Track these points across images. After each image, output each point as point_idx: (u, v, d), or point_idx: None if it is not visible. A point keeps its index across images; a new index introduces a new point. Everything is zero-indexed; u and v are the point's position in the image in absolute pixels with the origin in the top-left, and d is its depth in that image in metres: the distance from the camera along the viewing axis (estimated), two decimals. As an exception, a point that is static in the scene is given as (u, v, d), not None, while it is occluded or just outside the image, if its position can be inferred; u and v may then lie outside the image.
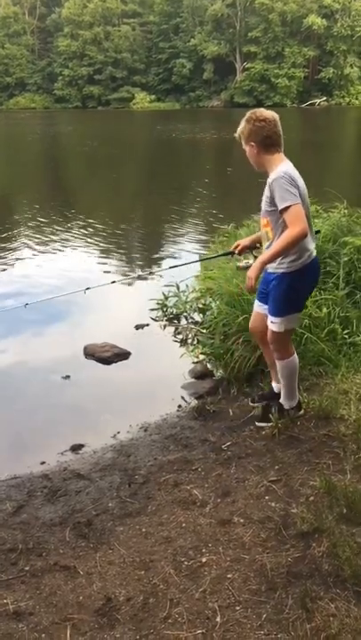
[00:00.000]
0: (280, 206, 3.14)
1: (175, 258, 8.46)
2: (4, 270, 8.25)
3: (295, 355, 3.64)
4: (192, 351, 5.23)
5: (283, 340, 3.53)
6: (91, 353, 5.27)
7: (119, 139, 28.89)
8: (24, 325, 6.01)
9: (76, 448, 3.88)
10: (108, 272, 7.90)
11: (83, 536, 2.95)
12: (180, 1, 65.10)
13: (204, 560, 2.67)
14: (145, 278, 7.55)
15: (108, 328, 5.77)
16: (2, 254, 8.97)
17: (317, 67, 62.69)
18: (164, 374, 4.95)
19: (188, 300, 6.11)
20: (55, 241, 9.77)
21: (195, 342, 5.39)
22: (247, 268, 3.75)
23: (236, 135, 3.38)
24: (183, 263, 5.36)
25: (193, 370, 4.86)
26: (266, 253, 3.29)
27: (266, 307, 3.55)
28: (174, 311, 6.10)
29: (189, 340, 5.49)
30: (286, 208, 3.11)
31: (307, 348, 4.32)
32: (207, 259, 6.08)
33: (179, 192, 14.48)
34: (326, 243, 5.21)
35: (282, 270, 3.35)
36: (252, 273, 3.32)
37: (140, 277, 7.50)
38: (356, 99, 61.34)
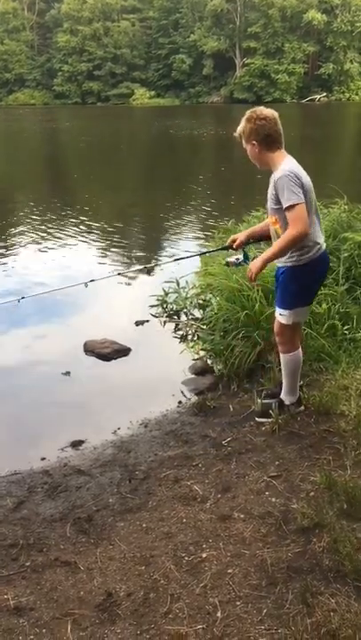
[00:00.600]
0: (284, 205, 3.17)
1: (175, 255, 8.43)
2: (3, 265, 8.22)
3: (300, 349, 3.66)
4: (192, 347, 5.23)
5: (289, 332, 3.55)
6: (91, 349, 5.27)
7: (118, 135, 28.84)
8: (24, 321, 6.00)
9: (76, 444, 3.89)
10: (106, 266, 7.87)
11: (83, 532, 2.96)
12: (180, -4, 64.97)
13: (204, 555, 2.67)
14: (147, 272, 7.52)
15: (108, 324, 5.76)
16: (0, 251, 8.94)
17: (317, 62, 62.47)
18: (165, 370, 4.94)
19: (189, 296, 6.10)
20: (53, 237, 9.73)
21: (195, 338, 5.39)
22: (237, 263, 3.78)
23: (237, 135, 3.39)
24: (182, 257, 5.34)
25: (193, 366, 4.86)
26: (267, 252, 3.34)
27: None
28: (174, 307, 6.09)
29: (189, 337, 5.49)
30: (290, 207, 3.14)
31: (307, 344, 4.31)
32: (204, 253, 6.08)
33: (176, 188, 14.46)
34: (326, 238, 5.19)
35: (291, 263, 3.37)
36: (254, 267, 3.36)
37: (143, 270, 7.44)
38: (357, 94, 61.13)
